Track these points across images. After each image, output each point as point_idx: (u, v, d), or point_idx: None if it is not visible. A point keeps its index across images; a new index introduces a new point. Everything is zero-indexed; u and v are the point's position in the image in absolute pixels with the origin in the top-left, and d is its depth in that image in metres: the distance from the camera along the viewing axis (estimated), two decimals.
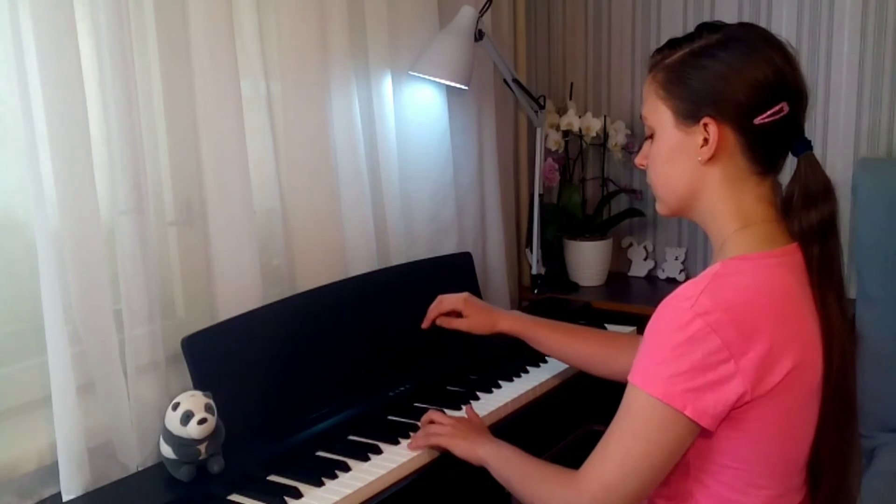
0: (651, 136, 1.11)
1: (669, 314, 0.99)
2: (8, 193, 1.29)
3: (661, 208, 1.15)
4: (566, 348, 1.50)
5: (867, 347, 1.91)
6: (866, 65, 2.07)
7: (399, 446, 1.38)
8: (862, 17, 2.06)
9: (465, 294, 1.59)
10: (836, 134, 2.13)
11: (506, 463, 1.24)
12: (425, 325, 1.59)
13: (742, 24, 1.08)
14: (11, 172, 1.27)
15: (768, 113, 1.01)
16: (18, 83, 1.18)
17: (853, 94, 2.10)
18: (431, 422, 1.40)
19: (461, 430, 1.35)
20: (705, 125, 1.04)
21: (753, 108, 1.02)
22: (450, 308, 1.57)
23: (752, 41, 1.04)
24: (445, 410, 1.47)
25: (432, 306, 1.60)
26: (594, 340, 1.49)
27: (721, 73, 1.03)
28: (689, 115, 1.05)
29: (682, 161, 1.07)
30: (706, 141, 1.04)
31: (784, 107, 1.02)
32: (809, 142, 1.06)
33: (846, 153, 2.13)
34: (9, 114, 1.25)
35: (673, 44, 1.09)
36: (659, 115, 1.08)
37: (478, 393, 1.59)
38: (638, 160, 1.16)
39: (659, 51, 1.11)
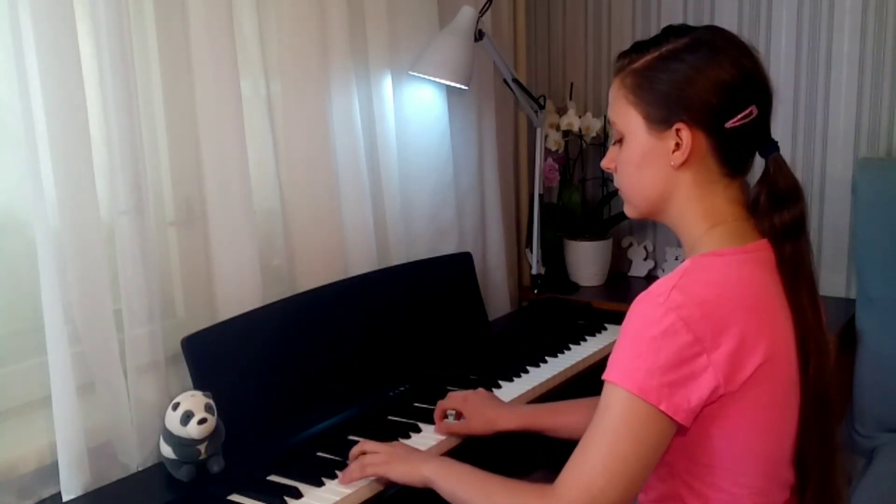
0: (620, 141, 1.11)
1: (643, 310, 1.00)
2: (8, 193, 1.29)
3: (629, 211, 1.15)
4: (579, 426, 1.29)
5: (867, 347, 1.91)
6: (866, 65, 2.08)
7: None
8: (862, 17, 2.06)
9: (470, 392, 1.47)
10: (836, 134, 2.14)
11: (460, 479, 1.14)
12: (437, 430, 1.44)
13: (708, 28, 1.08)
14: (11, 172, 1.27)
15: (739, 116, 1.02)
16: (18, 83, 1.18)
17: (853, 94, 2.10)
18: (363, 453, 1.27)
19: (398, 454, 1.24)
20: (678, 130, 1.04)
21: (724, 112, 1.02)
22: (452, 407, 1.45)
23: (719, 44, 1.04)
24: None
25: (440, 402, 1.47)
26: None
27: (689, 75, 1.03)
28: (661, 120, 1.05)
29: (654, 166, 1.07)
30: (678, 146, 1.04)
31: (753, 110, 1.03)
32: (777, 143, 1.07)
33: (846, 153, 2.13)
34: (9, 114, 1.25)
35: (639, 47, 1.09)
36: (629, 120, 1.08)
37: None
38: (605, 163, 1.15)
39: (625, 54, 1.10)
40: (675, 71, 1.03)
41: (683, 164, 1.05)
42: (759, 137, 1.06)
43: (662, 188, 1.08)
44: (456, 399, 1.46)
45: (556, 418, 1.39)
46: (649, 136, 1.06)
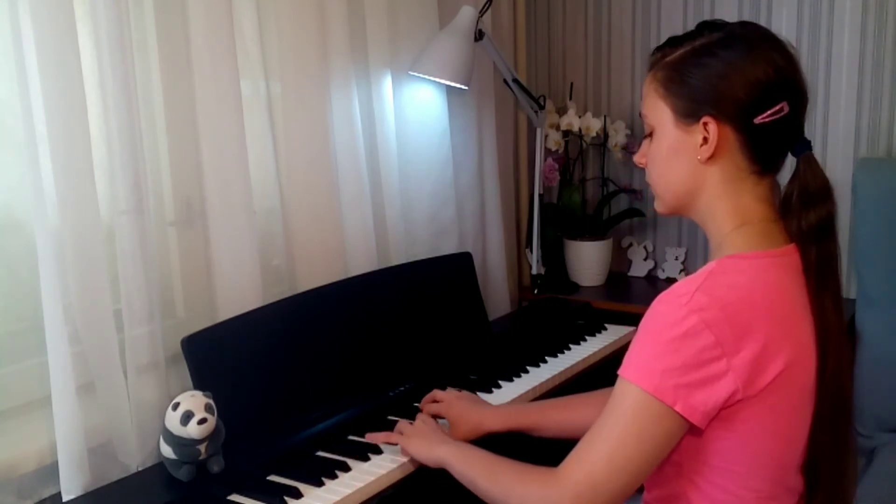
0: (650, 135, 1.11)
1: (664, 309, 0.99)
2: (8, 193, 1.29)
3: (659, 207, 1.15)
4: (566, 424, 1.35)
5: (867, 347, 1.91)
6: (866, 65, 2.08)
7: (399, 446, 1.38)
8: (862, 17, 2.06)
9: (454, 396, 1.45)
10: (836, 134, 2.14)
11: (470, 462, 1.18)
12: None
13: (743, 23, 1.08)
14: (11, 172, 1.27)
15: (768, 112, 1.01)
16: (18, 83, 1.18)
17: (853, 94, 2.10)
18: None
19: (421, 430, 1.32)
20: (705, 124, 1.04)
21: (753, 108, 1.02)
22: (437, 414, 1.44)
23: (754, 40, 1.04)
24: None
25: (424, 406, 1.49)
26: (592, 404, 1.32)
27: (722, 71, 1.02)
28: (689, 113, 1.05)
29: (682, 160, 1.07)
30: (706, 140, 1.04)
31: (784, 106, 1.02)
32: (809, 142, 1.06)
33: (846, 153, 2.13)
34: (9, 114, 1.25)
35: (673, 42, 1.09)
36: (659, 113, 1.08)
37: (478, 393, 1.59)
38: (637, 158, 1.15)
39: (659, 49, 1.10)
40: (708, 65, 1.03)
41: (711, 158, 1.04)
42: (791, 135, 1.05)
43: (690, 183, 1.08)
44: (440, 406, 1.45)
45: (543, 416, 1.39)
46: (677, 129, 1.06)
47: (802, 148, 1.05)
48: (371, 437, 1.36)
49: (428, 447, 1.27)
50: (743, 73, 1.02)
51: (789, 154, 1.07)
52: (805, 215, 1.03)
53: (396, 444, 1.33)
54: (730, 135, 1.04)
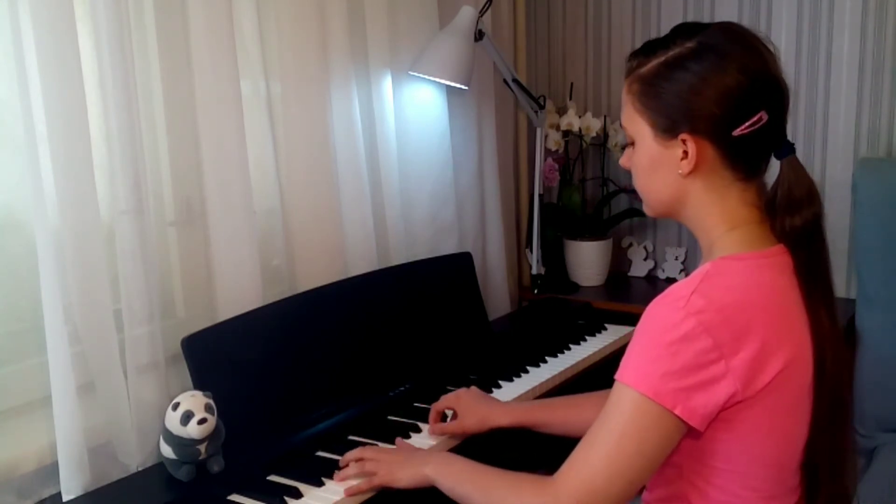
0: (632, 143, 1.10)
1: (661, 313, 0.99)
2: (8, 193, 1.29)
3: (647, 210, 1.15)
4: (572, 422, 1.35)
5: (867, 347, 1.91)
6: (866, 65, 2.08)
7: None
8: (862, 18, 2.06)
9: (463, 390, 1.47)
10: (836, 134, 2.14)
11: (460, 476, 1.15)
12: (431, 431, 1.44)
13: (718, 27, 1.05)
14: (11, 172, 1.27)
15: (746, 125, 1.00)
16: (18, 83, 1.18)
17: (853, 94, 2.10)
18: (360, 459, 1.27)
19: (397, 459, 1.24)
20: (683, 140, 1.03)
21: (730, 121, 1.00)
22: (446, 406, 1.45)
23: (725, 47, 1.01)
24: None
25: (434, 405, 1.47)
26: (600, 403, 1.31)
27: (694, 86, 1.01)
28: (666, 129, 1.04)
29: (664, 172, 1.06)
30: (686, 153, 1.03)
31: (762, 115, 1.00)
32: (793, 145, 1.05)
33: (846, 153, 2.13)
34: (9, 114, 1.25)
35: (648, 49, 1.07)
36: (637, 126, 1.07)
37: None
38: (622, 161, 1.15)
39: (635, 55, 1.09)
40: (679, 80, 1.02)
41: (693, 171, 1.04)
42: (772, 140, 1.04)
43: (674, 193, 1.07)
44: (449, 398, 1.46)
45: (550, 414, 1.39)
46: (656, 143, 1.06)
47: (786, 151, 1.04)
48: (351, 492, 1.23)
49: (414, 471, 1.20)
50: (714, 86, 1.00)
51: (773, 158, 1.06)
52: (790, 219, 1.03)
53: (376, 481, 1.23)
54: (709, 149, 1.02)
